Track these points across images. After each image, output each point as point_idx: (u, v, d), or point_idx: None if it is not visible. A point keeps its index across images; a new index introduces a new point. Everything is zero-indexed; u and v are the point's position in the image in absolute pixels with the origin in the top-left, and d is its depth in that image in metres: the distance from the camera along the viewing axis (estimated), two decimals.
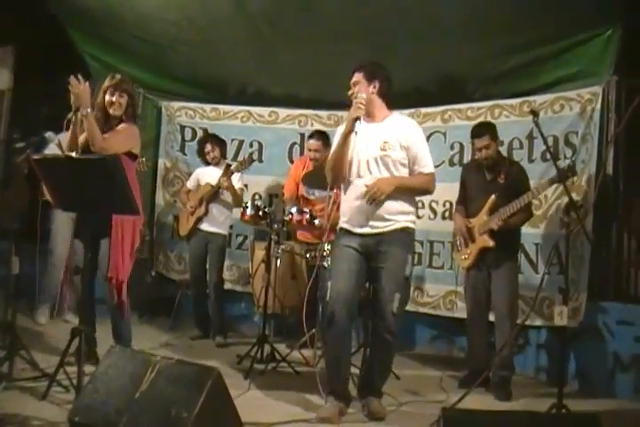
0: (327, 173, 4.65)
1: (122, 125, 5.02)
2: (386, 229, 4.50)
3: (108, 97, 4.97)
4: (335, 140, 4.67)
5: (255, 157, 7.34)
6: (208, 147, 6.82)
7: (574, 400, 4.65)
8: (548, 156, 5.46)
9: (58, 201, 4.49)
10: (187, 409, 3.18)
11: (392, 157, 4.52)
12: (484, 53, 6.31)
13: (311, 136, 6.61)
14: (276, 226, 5.88)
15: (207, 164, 6.89)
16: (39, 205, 6.12)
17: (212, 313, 6.73)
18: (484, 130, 5.49)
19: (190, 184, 7.00)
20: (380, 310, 4.48)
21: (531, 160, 6.18)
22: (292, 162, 7.39)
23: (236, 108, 7.74)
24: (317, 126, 7.40)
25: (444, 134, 6.72)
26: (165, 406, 3.25)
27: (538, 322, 5.84)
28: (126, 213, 4.63)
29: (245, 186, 7.05)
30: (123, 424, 3.28)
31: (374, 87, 4.60)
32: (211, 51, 7.18)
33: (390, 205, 4.49)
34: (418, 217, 4.88)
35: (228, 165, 6.47)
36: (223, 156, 6.93)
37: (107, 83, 5.02)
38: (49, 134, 5.44)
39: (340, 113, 7.27)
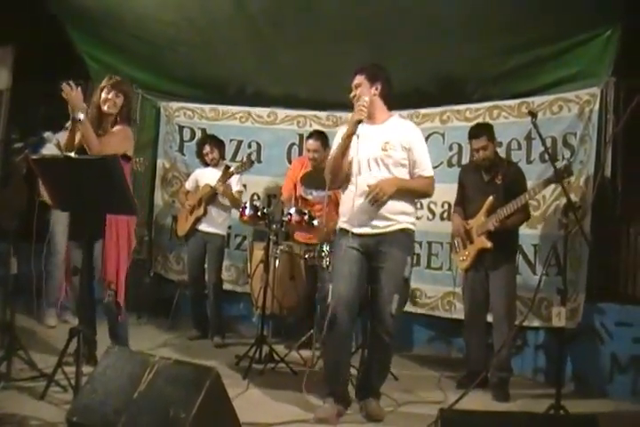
0: (326, 174, 4.65)
1: (116, 128, 5.04)
2: (386, 230, 4.51)
3: (104, 95, 4.98)
4: (335, 142, 4.68)
5: (254, 158, 7.33)
6: (207, 148, 6.83)
7: (572, 401, 4.65)
8: (547, 157, 5.46)
9: (56, 201, 4.48)
10: (185, 409, 3.18)
11: (393, 158, 4.53)
12: (483, 54, 6.31)
13: (310, 136, 6.60)
14: (274, 226, 5.88)
15: (206, 165, 6.89)
16: (36, 206, 6.13)
17: (210, 313, 6.74)
18: (482, 131, 5.50)
19: (189, 185, 7.00)
20: (378, 310, 4.49)
21: (529, 161, 6.18)
22: (290, 162, 7.37)
23: (234, 109, 7.74)
24: (316, 127, 7.38)
25: (443, 135, 6.72)
26: (164, 407, 3.25)
27: (536, 323, 5.85)
28: (124, 212, 4.64)
29: (244, 186, 7.05)
30: (121, 424, 3.28)
31: (376, 89, 4.60)
32: (210, 51, 7.18)
33: (391, 205, 4.49)
34: (416, 218, 4.87)
35: (227, 167, 6.48)
36: (222, 157, 6.94)
37: (104, 82, 5.05)
38: (47, 134, 5.45)
39: (338, 114, 7.28)
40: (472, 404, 4.54)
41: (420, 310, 6.71)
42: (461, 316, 5.77)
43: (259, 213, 5.88)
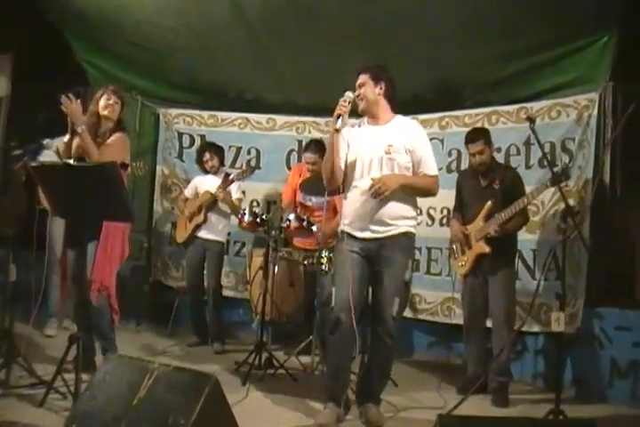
0: (323, 176, 4.65)
1: (115, 136, 5.10)
2: (387, 234, 4.50)
3: (103, 101, 5.03)
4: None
5: (253, 164, 7.33)
6: (207, 155, 6.83)
7: (572, 406, 4.67)
8: (545, 162, 5.47)
9: (55, 208, 4.50)
10: (184, 416, 3.18)
11: (397, 161, 4.52)
12: (482, 60, 6.32)
13: (307, 148, 6.60)
14: (273, 233, 5.88)
15: (206, 172, 6.89)
16: (36, 213, 6.12)
17: (209, 320, 6.73)
18: (478, 135, 5.51)
19: (188, 193, 7.01)
20: (380, 313, 4.48)
21: (528, 166, 6.19)
22: (289, 169, 7.39)
23: (233, 115, 7.75)
24: (315, 133, 7.42)
25: (442, 141, 6.72)
26: (163, 413, 3.25)
27: (535, 328, 5.85)
28: (123, 219, 4.67)
29: (243, 193, 7.06)
30: None
31: (380, 89, 4.59)
32: (208, 57, 7.19)
33: (392, 210, 4.49)
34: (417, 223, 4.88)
35: (227, 175, 6.49)
36: (222, 164, 6.94)
37: (101, 91, 5.10)
38: (46, 141, 5.46)
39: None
40: (471, 409, 4.56)
41: (419, 316, 6.71)
42: (461, 321, 5.76)
43: (258, 220, 5.87)
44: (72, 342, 4.24)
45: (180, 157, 7.84)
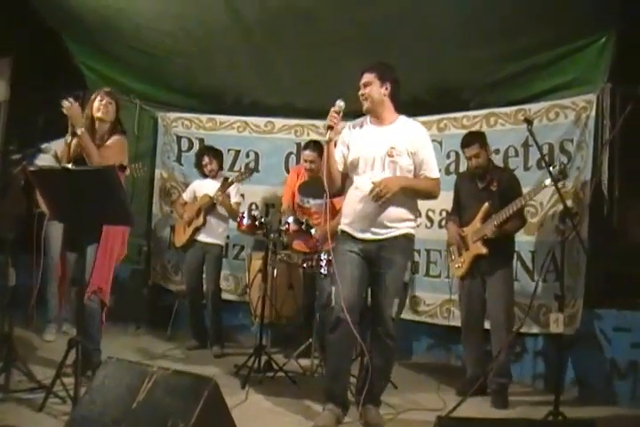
0: (324, 179, 4.63)
1: (113, 139, 5.13)
2: (387, 236, 4.50)
3: (97, 103, 5.05)
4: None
5: (252, 166, 7.33)
6: (205, 159, 6.84)
7: (572, 408, 4.68)
8: (544, 163, 5.47)
9: (54, 212, 4.49)
10: (183, 419, 3.17)
11: (400, 164, 4.52)
12: (480, 62, 6.33)
13: (306, 147, 6.61)
14: (272, 236, 5.88)
15: (205, 176, 6.90)
16: (35, 217, 6.13)
17: (209, 323, 6.73)
18: (473, 139, 5.52)
19: (187, 196, 7.01)
20: (379, 314, 4.50)
21: (526, 168, 6.19)
22: (288, 172, 7.39)
23: (232, 119, 7.76)
24: (314, 136, 7.41)
25: (440, 143, 6.72)
26: (162, 417, 3.24)
27: (534, 329, 5.85)
28: (121, 223, 4.66)
29: (242, 196, 7.07)
30: None
31: (386, 89, 4.58)
32: (207, 61, 7.20)
33: (393, 212, 4.49)
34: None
35: (226, 179, 6.50)
36: (220, 167, 6.95)
37: (95, 94, 5.16)
38: (45, 146, 5.47)
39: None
40: (471, 411, 4.56)
41: (418, 318, 6.71)
42: (460, 323, 5.76)
43: (256, 223, 5.88)
44: (71, 346, 4.24)
45: (178, 160, 7.85)
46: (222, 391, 3.37)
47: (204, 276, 6.76)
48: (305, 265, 6.04)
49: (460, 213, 5.70)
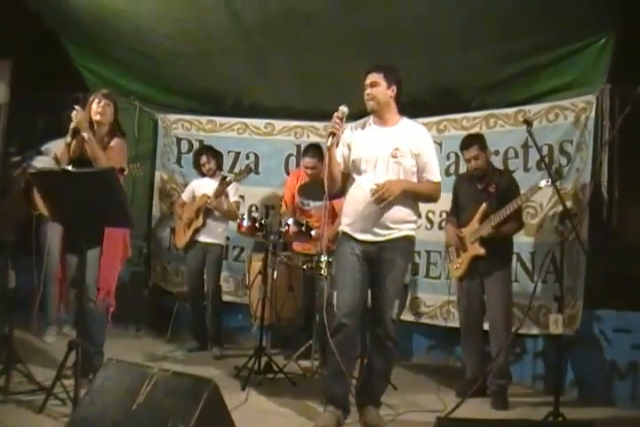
0: (324, 180, 4.59)
1: (114, 142, 5.15)
2: (388, 237, 4.50)
3: (95, 105, 5.06)
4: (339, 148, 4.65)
5: (252, 167, 7.33)
6: (203, 159, 6.85)
7: (572, 409, 4.67)
8: (543, 165, 5.47)
9: (54, 214, 4.50)
10: (183, 421, 3.17)
11: (403, 165, 4.51)
12: (479, 63, 6.33)
13: (305, 153, 6.64)
14: (272, 237, 5.89)
15: (203, 175, 6.91)
16: (33, 219, 6.14)
17: (208, 323, 6.74)
18: (472, 141, 5.53)
19: (185, 196, 7.02)
20: (380, 316, 4.49)
21: (526, 169, 6.19)
22: (288, 173, 7.41)
23: (232, 120, 7.76)
24: (313, 138, 7.43)
25: (440, 144, 6.69)
26: (162, 419, 3.24)
27: (534, 330, 5.85)
28: (122, 225, 4.68)
29: (242, 197, 7.08)
30: None
31: (392, 91, 4.58)
32: (206, 63, 7.20)
33: (394, 214, 4.49)
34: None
35: (224, 178, 6.51)
36: (219, 167, 6.95)
37: (93, 96, 5.17)
38: (45, 148, 5.47)
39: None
40: (471, 412, 4.55)
41: (418, 319, 6.71)
42: (459, 324, 5.76)
43: (256, 225, 5.89)
44: (71, 347, 4.24)
45: (178, 162, 7.85)
46: (222, 393, 3.37)
47: (204, 277, 6.76)
48: (305, 267, 6.06)
49: (458, 215, 5.70)
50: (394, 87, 4.58)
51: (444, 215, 6.47)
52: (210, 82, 7.52)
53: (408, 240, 4.60)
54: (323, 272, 5.64)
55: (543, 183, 4.97)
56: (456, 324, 5.95)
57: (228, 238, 7.04)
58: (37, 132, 7.13)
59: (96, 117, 5.07)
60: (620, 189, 5.82)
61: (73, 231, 4.73)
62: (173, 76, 7.56)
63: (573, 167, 5.86)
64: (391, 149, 4.50)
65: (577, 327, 5.50)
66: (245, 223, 5.93)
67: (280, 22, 6.33)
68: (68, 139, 4.97)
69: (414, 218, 4.64)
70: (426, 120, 6.76)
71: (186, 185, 7.37)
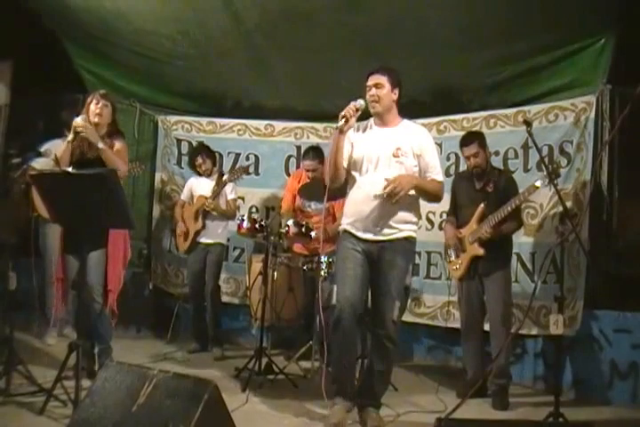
0: (326, 176, 4.61)
1: (118, 145, 5.19)
2: (390, 237, 4.51)
3: (93, 106, 5.06)
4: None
5: (249, 167, 7.30)
6: (199, 160, 6.88)
7: (572, 409, 4.66)
8: (543, 165, 5.47)
9: (55, 216, 4.51)
10: (183, 422, 3.17)
11: (405, 165, 4.52)
12: (479, 64, 6.33)
13: (306, 156, 6.65)
14: (272, 238, 5.89)
15: (200, 175, 6.93)
16: (32, 220, 6.15)
17: (208, 322, 6.77)
18: (472, 138, 5.53)
19: (184, 196, 7.04)
20: (381, 317, 4.49)
21: (526, 170, 6.20)
22: (288, 175, 7.41)
23: (232, 122, 7.77)
24: (313, 139, 7.44)
25: (440, 145, 6.68)
26: (162, 420, 3.24)
27: (535, 331, 5.85)
28: (122, 226, 4.69)
29: (242, 199, 7.10)
30: None
31: (395, 95, 4.59)
32: (206, 64, 7.20)
33: (398, 213, 4.50)
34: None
35: (221, 176, 6.54)
36: (215, 165, 7.01)
37: (91, 97, 5.18)
38: (46, 149, 5.47)
39: (335, 125, 7.28)
40: (471, 413, 4.56)
41: (419, 320, 6.71)
42: (460, 325, 5.76)
43: (257, 226, 5.88)
44: (72, 349, 4.25)
45: (178, 163, 7.84)
46: (223, 394, 3.37)
47: (205, 277, 6.78)
48: (305, 268, 6.05)
49: (457, 215, 5.70)
50: (396, 90, 4.59)
51: (445, 216, 6.47)
52: (210, 83, 7.53)
53: (409, 241, 4.61)
54: (323, 273, 5.66)
55: (539, 182, 4.97)
56: (456, 324, 5.95)
57: (228, 240, 7.03)
58: (38, 133, 7.14)
59: (94, 119, 5.08)
60: (621, 190, 5.82)
61: (74, 233, 4.73)
62: (173, 77, 7.56)
63: (573, 167, 5.86)
64: (393, 148, 4.51)
65: (577, 328, 5.50)
66: (245, 224, 5.92)
67: (280, 23, 6.34)
68: (70, 137, 4.96)
69: (415, 219, 4.65)
70: (426, 121, 6.78)
71: None
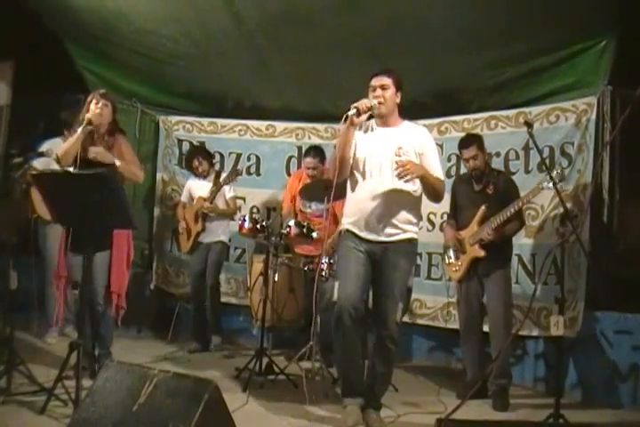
0: (331, 168, 4.59)
1: (124, 146, 5.24)
2: (393, 239, 4.51)
3: (93, 106, 5.07)
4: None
5: (241, 170, 7.25)
6: (196, 161, 6.94)
7: (573, 410, 4.67)
8: (544, 167, 5.47)
9: (56, 216, 4.51)
10: (184, 422, 3.17)
11: None
12: (480, 65, 6.33)
13: (307, 154, 6.66)
14: (273, 239, 5.90)
15: (197, 176, 6.95)
16: (31, 220, 6.16)
17: (208, 318, 6.80)
18: (471, 141, 5.54)
19: (184, 197, 7.09)
20: (383, 319, 4.49)
21: (527, 171, 6.19)
22: (289, 175, 7.40)
23: (233, 122, 7.77)
24: (314, 139, 7.44)
25: (441, 146, 6.68)
26: (163, 420, 3.24)
27: (535, 332, 5.85)
28: (123, 226, 4.69)
29: (243, 199, 7.12)
30: None
31: (398, 97, 4.60)
32: (208, 65, 7.20)
33: (401, 213, 4.51)
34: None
35: (218, 175, 6.61)
36: (212, 166, 7.05)
37: (90, 96, 5.19)
38: (47, 149, 5.48)
39: (337, 126, 7.25)
40: (472, 414, 4.56)
41: (419, 321, 6.71)
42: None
43: (258, 226, 5.89)
44: (73, 349, 4.25)
45: (180, 163, 7.84)
46: (223, 394, 3.38)
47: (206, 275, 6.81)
48: (306, 268, 6.06)
49: (456, 217, 5.71)
50: (399, 93, 4.60)
51: (446, 217, 6.48)
52: (211, 83, 7.53)
53: (412, 243, 4.62)
54: (324, 274, 5.66)
55: (545, 184, 4.96)
56: (456, 325, 5.94)
57: (229, 240, 7.04)
58: (39, 133, 7.13)
59: (95, 118, 5.07)
60: (621, 191, 5.82)
61: (76, 233, 4.73)
62: (175, 77, 7.56)
63: (574, 169, 5.86)
64: (395, 148, 4.51)
65: (578, 329, 5.50)
66: (247, 225, 5.93)
67: (281, 24, 6.34)
68: (80, 131, 4.96)
69: (416, 220, 4.66)
70: (427, 122, 6.77)
71: None
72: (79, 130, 4.94)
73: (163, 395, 3.37)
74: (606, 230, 5.82)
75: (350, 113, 4.31)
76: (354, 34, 6.25)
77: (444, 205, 5.93)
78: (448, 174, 6.60)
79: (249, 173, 7.57)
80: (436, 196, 4.70)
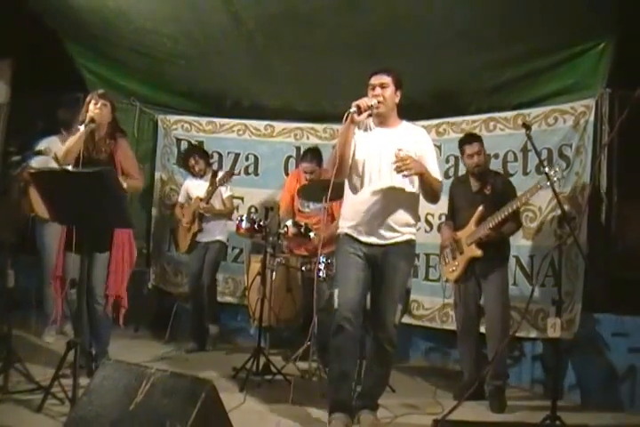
0: (330, 166, 4.56)
1: (126, 148, 5.26)
2: (392, 241, 4.48)
3: (92, 106, 5.06)
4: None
5: (234, 171, 7.23)
6: (192, 161, 6.93)
7: (570, 412, 4.67)
8: (542, 168, 5.47)
9: (54, 214, 4.51)
10: (181, 421, 3.17)
11: None
12: (479, 67, 6.33)
13: (304, 158, 6.66)
14: (271, 239, 5.90)
15: (194, 176, 6.97)
16: (29, 218, 6.15)
17: (205, 310, 6.84)
18: (474, 137, 5.57)
19: (181, 197, 7.11)
20: (382, 321, 4.47)
21: (525, 173, 6.20)
22: (287, 175, 7.40)
23: (232, 122, 7.77)
24: (313, 140, 7.45)
25: (439, 148, 6.68)
26: (160, 419, 3.24)
27: (533, 334, 5.84)
28: (120, 225, 4.69)
29: (241, 199, 7.11)
30: None
31: (397, 96, 4.57)
32: (207, 64, 7.21)
33: (400, 215, 4.48)
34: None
35: (215, 174, 6.66)
36: (208, 165, 7.06)
37: (89, 97, 5.19)
38: (45, 147, 5.47)
39: (335, 126, 7.27)
40: (468, 415, 4.55)
41: (417, 322, 6.71)
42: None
43: (255, 226, 5.89)
44: (70, 347, 4.25)
45: (178, 163, 7.82)
46: (220, 394, 3.38)
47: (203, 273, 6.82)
48: (304, 268, 6.06)
49: (454, 218, 5.71)
50: (399, 92, 4.57)
51: (444, 218, 6.48)
52: (210, 83, 7.54)
53: (410, 245, 4.59)
54: (322, 274, 5.66)
55: (543, 183, 4.95)
56: (454, 326, 5.94)
57: (227, 240, 7.04)
58: (37, 132, 7.13)
59: (96, 119, 5.07)
60: (619, 193, 5.83)
61: (75, 232, 4.73)
62: (174, 76, 7.56)
63: (572, 171, 5.86)
64: (394, 150, 4.44)
65: (575, 331, 5.50)
66: (244, 225, 5.93)
67: (280, 23, 6.34)
68: (83, 129, 4.96)
69: (414, 222, 4.63)
70: (425, 123, 6.75)
71: None
72: (81, 128, 4.94)
73: (160, 394, 3.37)
74: (604, 232, 5.83)
75: (352, 110, 4.27)
76: (353, 34, 6.25)
77: (442, 206, 5.93)
78: (446, 175, 6.60)
79: (247, 173, 7.58)
80: (433, 196, 4.66)
